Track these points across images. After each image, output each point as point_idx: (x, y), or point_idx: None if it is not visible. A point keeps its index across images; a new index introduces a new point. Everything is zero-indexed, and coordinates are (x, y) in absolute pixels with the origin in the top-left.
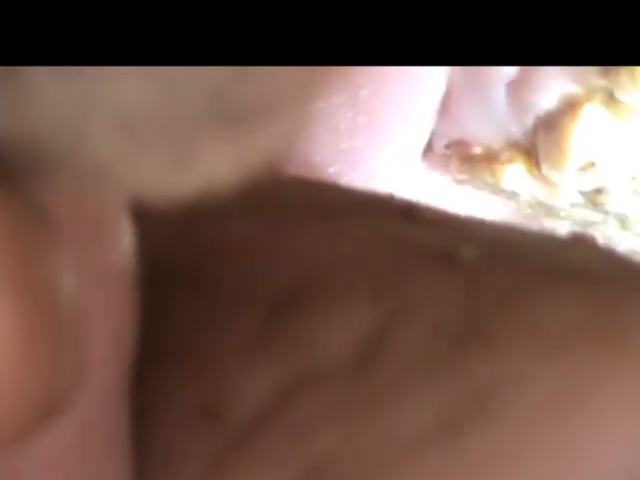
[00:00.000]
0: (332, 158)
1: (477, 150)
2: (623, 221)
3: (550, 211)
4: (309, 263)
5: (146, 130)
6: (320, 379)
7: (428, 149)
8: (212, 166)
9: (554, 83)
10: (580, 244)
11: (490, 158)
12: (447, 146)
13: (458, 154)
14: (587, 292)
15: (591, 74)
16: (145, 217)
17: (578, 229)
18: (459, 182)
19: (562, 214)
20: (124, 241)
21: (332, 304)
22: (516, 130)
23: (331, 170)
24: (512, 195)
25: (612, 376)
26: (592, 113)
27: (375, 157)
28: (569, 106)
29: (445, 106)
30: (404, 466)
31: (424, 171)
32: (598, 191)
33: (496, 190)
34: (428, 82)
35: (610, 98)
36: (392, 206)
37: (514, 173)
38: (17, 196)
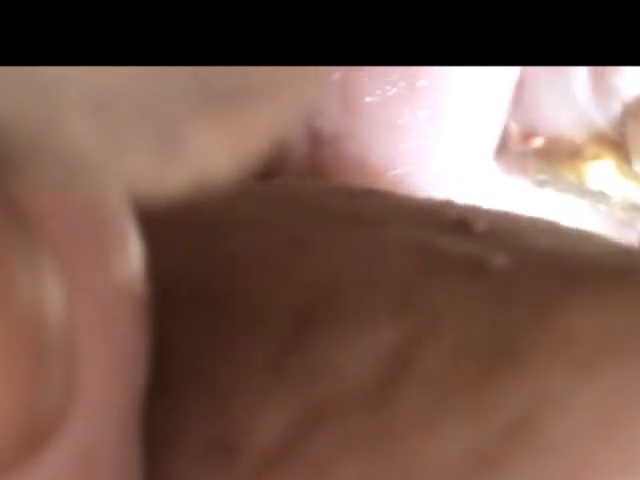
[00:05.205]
0: (392, 159)
1: (554, 143)
2: None
3: None
4: (329, 277)
5: (124, 115)
6: (338, 408)
7: (502, 147)
8: (203, 153)
9: None
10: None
11: (573, 154)
12: (521, 141)
13: (535, 151)
14: (623, 294)
15: None
16: (150, 224)
17: None
18: (539, 184)
19: None
20: (131, 249)
21: (350, 322)
22: (601, 120)
23: (392, 173)
24: (601, 197)
25: None
26: None
27: (441, 157)
28: None
29: (519, 96)
30: None
31: (499, 172)
32: None
33: (582, 192)
34: (497, 68)
35: None
36: (441, 215)
37: (601, 171)
38: None
